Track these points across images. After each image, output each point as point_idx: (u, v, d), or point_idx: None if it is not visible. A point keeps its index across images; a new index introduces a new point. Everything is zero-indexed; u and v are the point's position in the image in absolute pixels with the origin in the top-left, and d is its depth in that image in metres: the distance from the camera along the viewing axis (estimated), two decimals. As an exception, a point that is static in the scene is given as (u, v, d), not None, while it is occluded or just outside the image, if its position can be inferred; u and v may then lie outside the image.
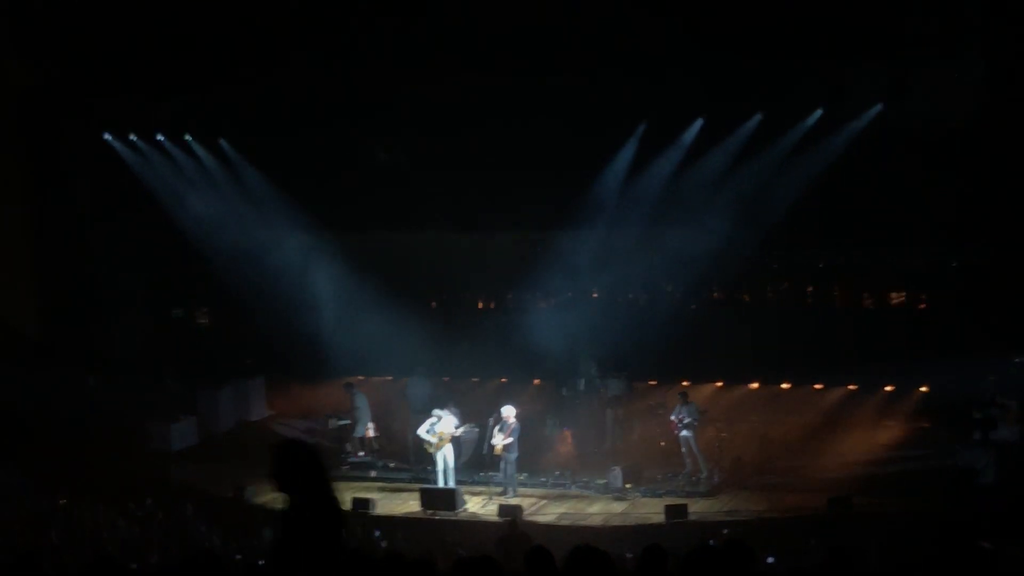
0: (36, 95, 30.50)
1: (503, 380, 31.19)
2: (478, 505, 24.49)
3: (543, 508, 24.21)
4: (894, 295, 30.96)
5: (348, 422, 28.03)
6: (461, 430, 25.42)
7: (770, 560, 17.30)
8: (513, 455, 24.74)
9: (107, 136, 30.69)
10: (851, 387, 29.13)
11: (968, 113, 25.19)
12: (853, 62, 25.13)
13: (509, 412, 24.81)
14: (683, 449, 25.53)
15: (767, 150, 26.97)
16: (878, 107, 25.82)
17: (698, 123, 27.51)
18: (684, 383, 27.96)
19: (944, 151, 25.82)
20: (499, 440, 24.68)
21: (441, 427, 24.89)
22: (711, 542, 19.01)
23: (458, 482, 25.00)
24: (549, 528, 22.51)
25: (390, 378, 31.59)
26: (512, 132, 27.66)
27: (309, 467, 8.17)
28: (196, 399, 31.34)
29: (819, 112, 26.42)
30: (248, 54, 27.04)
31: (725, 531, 20.52)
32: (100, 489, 24.47)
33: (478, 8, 25.55)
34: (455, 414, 25.60)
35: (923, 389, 28.29)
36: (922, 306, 30.42)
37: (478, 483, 25.64)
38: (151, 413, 30.02)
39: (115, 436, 28.97)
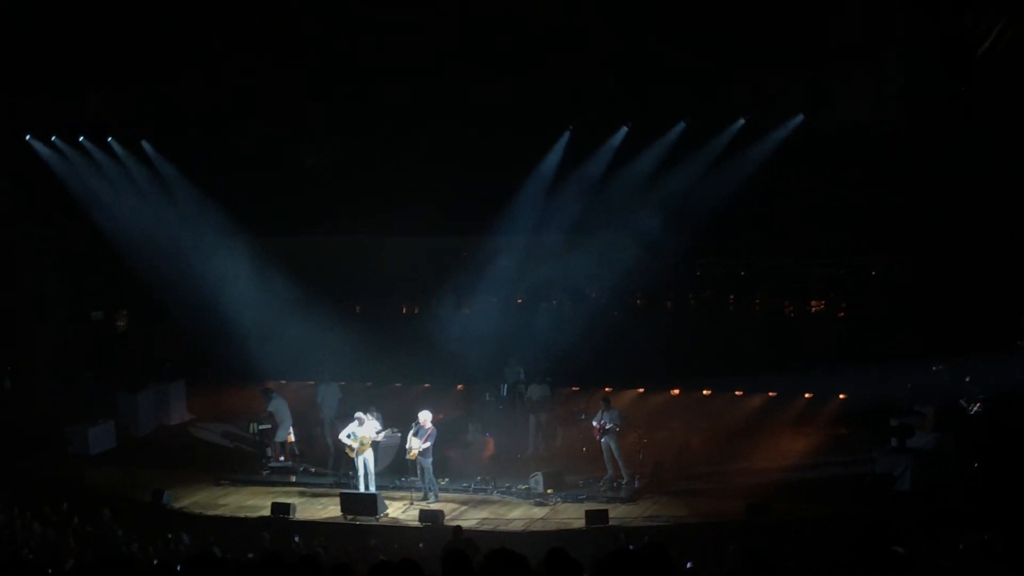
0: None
1: (426, 385, 31.16)
2: (399, 510, 24.41)
3: (464, 513, 24.17)
4: (814, 303, 31.27)
5: (269, 427, 27.82)
6: (382, 435, 25.34)
7: (689, 565, 17.42)
8: (428, 460, 24.70)
9: (28, 137, 30.24)
10: (771, 394, 29.42)
11: (889, 121, 25.50)
12: (776, 71, 25.31)
13: (426, 417, 24.78)
14: (605, 455, 25.59)
15: (691, 157, 27.09)
16: (799, 117, 26.03)
17: (623, 130, 27.58)
18: (606, 389, 28.05)
19: (865, 159, 26.13)
20: (416, 445, 24.64)
21: (362, 432, 24.80)
22: (631, 547, 19.21)
23: (379, 487, 24.94)
24: (470, 533, 22.45)
25: (311, 383, 31.46)
26: (438, 136, 27.66)
27: None
28: (115, 402, 31.03)
29: (742, 121, 26.60)
30: (172, 55, 26.77)
31: (646, 537, 20.64)
32: (17, 493, 24.13)
33: (400, 14, 25.48)
34: (377, 419, 25.52)
35: (841, 396, 28.62)
36: (841, 314, 30.73)
37: (399, 488, 25.56)
38: (69, 416, 29.66)
39: (33, 439, 28.62)
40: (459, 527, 21.55)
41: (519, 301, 31.01)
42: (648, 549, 8.80)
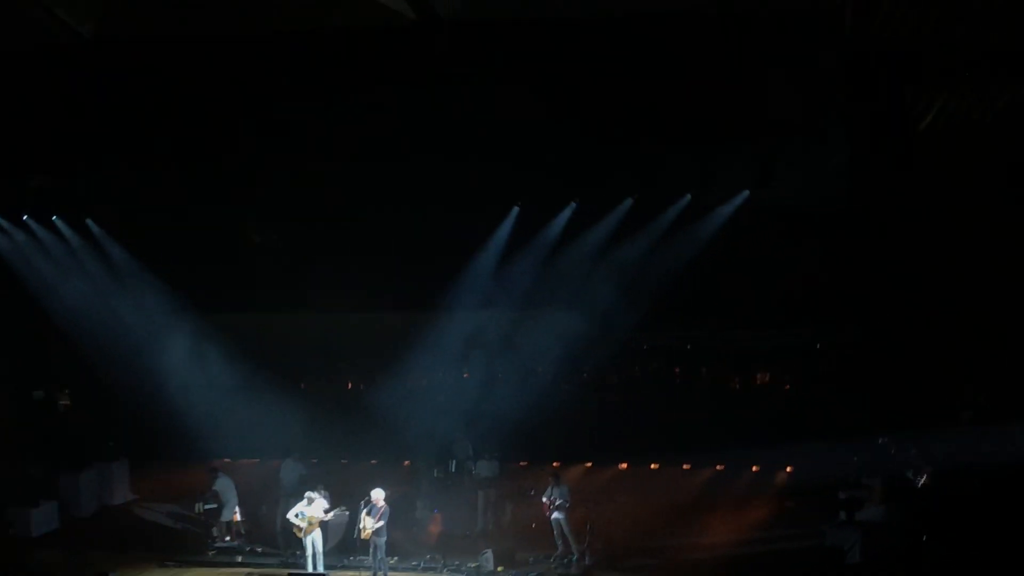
0: None
1: (373, 462, 31.00)
2: (348, 590, 24.19)
3: (415, 592, 23.99)
4: (759, 376, 31.49)
5: (215, 506, 27.50)
6: (331, 514, 25.12)
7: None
8: (383, 539, 24.47)
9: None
10: (718, 467, 29.48)
11: (834, 194, 25.82)
12: (721, 148, 25.59)
13: (379, 495, 24.58)
14: (555, 531, 25.49)
15: (639, 234, 27.28)
16: (745, 193, 26.30)
17: (570, 207, 27.74)
18: (555, 464, 27.98)
19: (810, 232, 26.46)
20: (369, 524, 24.42)
21: (311, 511, 24.58)
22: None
23: (328, 567, 24.66)
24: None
25: (256, 460, 31.19)
26: (384, 214, 27.72)
27: None
28: (58, 483, 30.60)
29: (688, 197, 26.83)
30: (116, 136, 26.68)
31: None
32: (-43, 577, 23.75)
33: (346, 93, 25.56)
34: (325, 497, 25.32)
35: (788, 469, 28.74)
36: (787, 387, 30.96)
37: (348, 567, 25.30)
38: (11, 498, 29.20)
39: (-27, 522, 28.21)
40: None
41: (465, 375, 30.97)
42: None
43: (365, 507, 24.52)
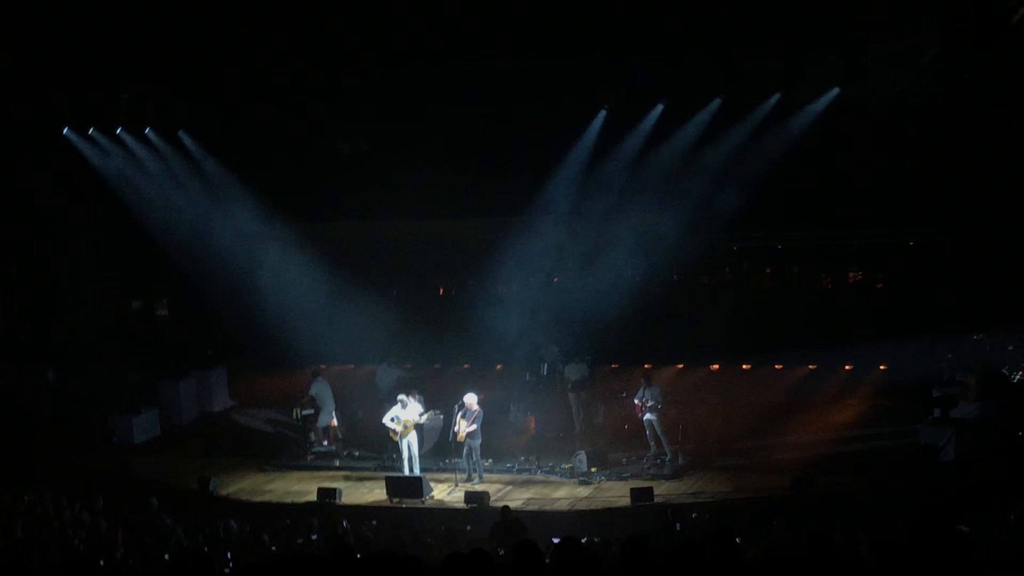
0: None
1: (466, 366, 31.24)
2: (444, 492, 24.48)
3: (509, 494, 24.20)
4: (852, 274, 31.20)
5: (312, 411, 27.95)
6: (425, 417, 25.45)
7: (737, 541, 17.43)
8: (477, 441, 24.80)
9: (65, 131, 30.32)
10: (811, 367, 29.30)
11: (923, 93, 25.38)
12: (810, 45, 25.18)
13: (472, 399, 24.84)
14: (647, 432, 25.62)
15: (728, 134, 27.02)
16: (835, 90, 25.88)
17: (659, 108, 27.50)
18: (646, 366, 27.98)
19: (901, 131, 26.08)
20: (463, 427, 24.70)
21: (406, 415, 24.90)
22: (678, 526, 19.28)
23: (423, 469, 25.04)
24: (516, 514, 22.50)
25: (351, 366, 31.58)
26: (469, 118, 27.67)
27: None
28: (158, 391, 31.25)
29: (778, 96, 26.47)
30: (207, 45, 26.79)
31: (693, 514, 20.69)
32: (64, 484, 24.33)
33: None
34: (419, 401, 25.65)
35: (882, 368, 28.50)
36: (880, 285, 30.66)
37: (443, 470, 25.65)
38: (113, 406, 29.87)
39: (77, 430, 28.88)
40: (507, 507, 21.59)
41: (556, 280, 30.99)
42: (715, 536, 8.76)
43: (459, 411, 24.79)
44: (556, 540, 11.31)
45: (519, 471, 25.67)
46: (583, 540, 15.72)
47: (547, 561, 8.69)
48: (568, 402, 28.01)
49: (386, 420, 25.12)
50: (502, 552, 16.48)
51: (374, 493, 24.67)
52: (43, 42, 26.93)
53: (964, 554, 7.58)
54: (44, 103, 29.09)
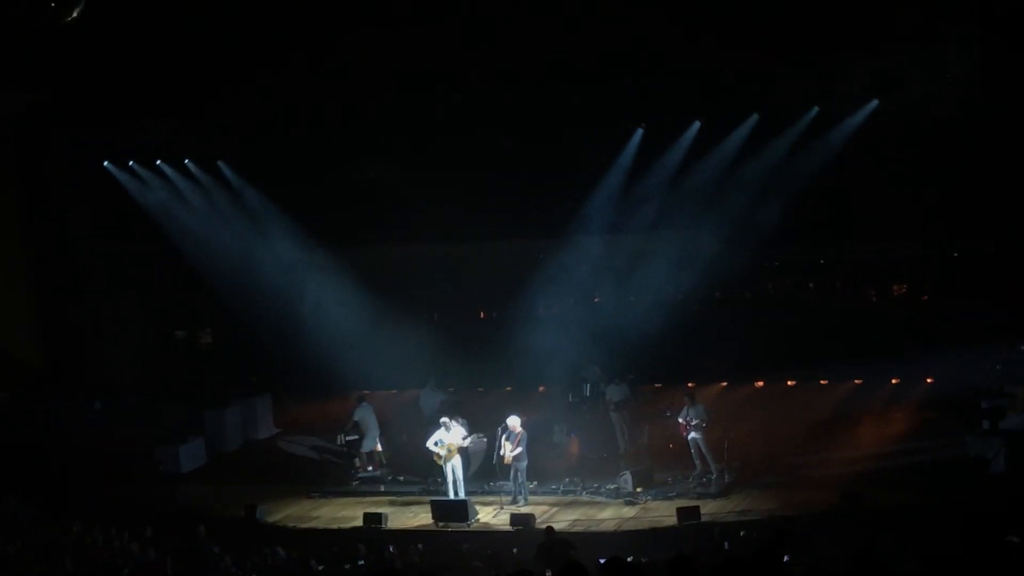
0: (31, 122, 30.50)
1: (508, 389, 31.20)
2: (490, 515, 24.44)
3: (555, 515, 24.12)
4: (896, 287, 31.02)
5: (356, 437, 28.00)
6: (469, 440, 25.41)
7: (785, 559, 17.30)
8: (523, 463, 24.73)
9: (106, 164, 30.60)
10: (856, 381, 29.11)
11: (962, 103, 25.23)
12: (845, 58, 25.12)
13: (515, 422, 24.78)
14: (693, 451, 25.50)
15: (766, 149, 26.95)
16: (874, 102, 25.80)
17: (695, 125, 27.49)
18: (689, 384, 27.88)
19: (941, 142, 25.90)
20: (508, 450, 24.64)
21: (449, 438, 24.88)
22: (726, 544, 19.13)
23: (468, 493, 24.99)
24: (562, 535, 22.43)
25: (394, 391, 31.60)
26: (507, 140, 27.75)
27: None
28: (203, 420, 31.34)
29: (815, 109, 26.41)
30: (241, 73, 27.01)
31: (741, 532, 20.54)
32: (111, 514, 24.43)
33: (467, 18, 25.51)
34: (462, 425, 25.62)
35: (929, 380, 28.26)
36: (924, 297, 30.47)
37: (488, 493, 25.59)
38: (159, 436, 29.98)
39: (124, 460, 28.98)
40: (551, 527, 21.54)
41: (596, 300, 30.95)
42: (760, 554, 8.69)
43: (503, 433, 24.74)
44: (602, 560, 11.24)
45: (564, 492, 25.58)
46: (629, 560, 15.61)
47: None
48: (611, 422, 27.92)
49: (430, 444, 25.10)
50: (549, 574, 16.42)
51: (420, 517, 24.63)
52: (82, 76, 27.20)
53: (1016, 566, 7.49)
54: (83, 137, 29.36)
